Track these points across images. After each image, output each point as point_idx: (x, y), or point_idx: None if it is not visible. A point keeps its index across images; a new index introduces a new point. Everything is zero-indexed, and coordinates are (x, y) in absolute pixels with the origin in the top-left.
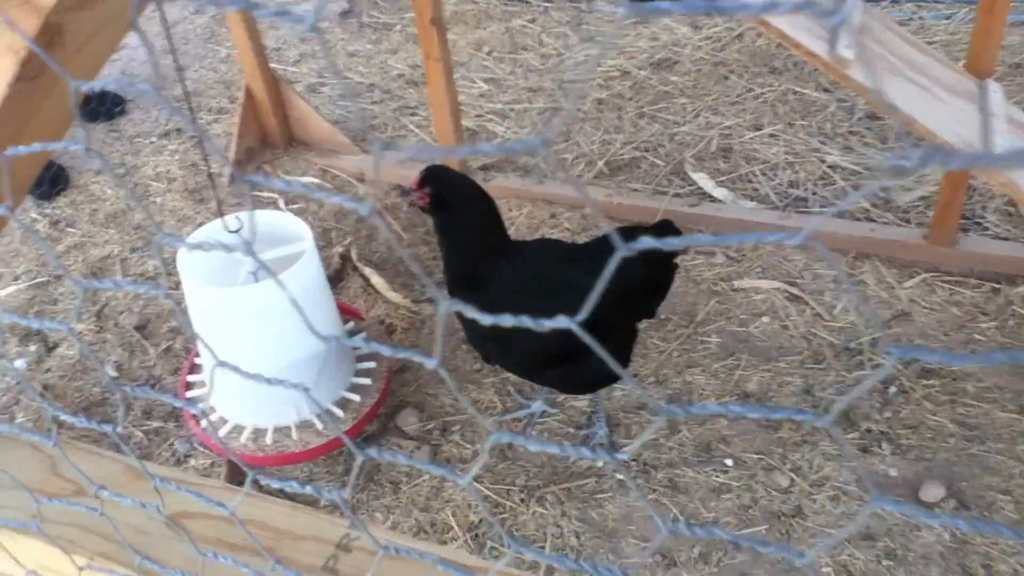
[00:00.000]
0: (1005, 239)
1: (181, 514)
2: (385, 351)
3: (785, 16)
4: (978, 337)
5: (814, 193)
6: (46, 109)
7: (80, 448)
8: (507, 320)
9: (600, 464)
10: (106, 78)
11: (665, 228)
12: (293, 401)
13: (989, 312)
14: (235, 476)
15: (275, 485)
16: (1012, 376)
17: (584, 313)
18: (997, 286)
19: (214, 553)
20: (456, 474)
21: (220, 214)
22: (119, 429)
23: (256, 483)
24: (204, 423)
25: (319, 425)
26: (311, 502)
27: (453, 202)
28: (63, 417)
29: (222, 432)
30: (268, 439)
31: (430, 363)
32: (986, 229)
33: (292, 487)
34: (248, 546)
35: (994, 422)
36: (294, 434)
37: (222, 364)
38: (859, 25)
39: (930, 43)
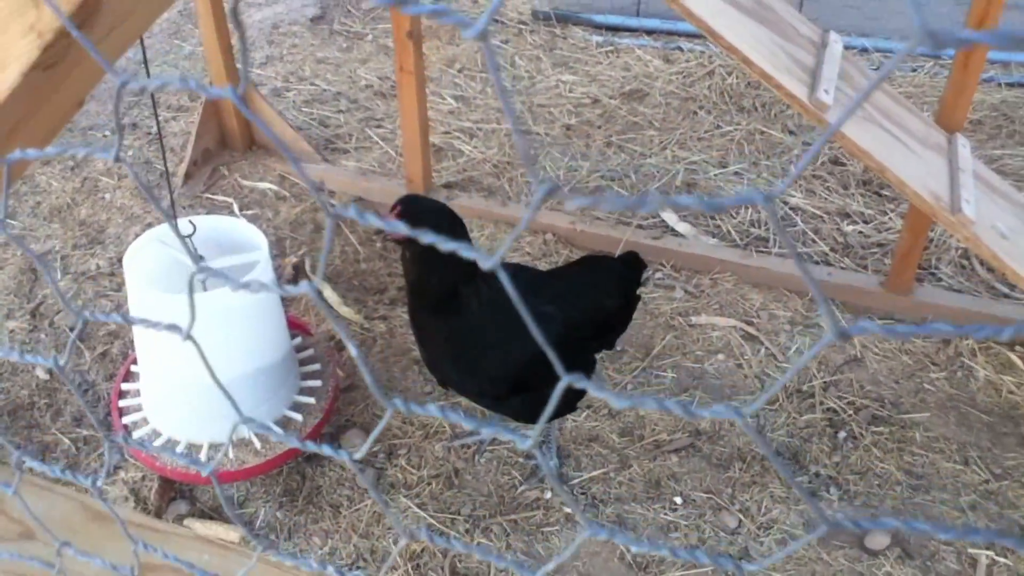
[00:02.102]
0: (958, 291)
1: (146, 566)
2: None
3: (767, 58)
4: (927, 387)
5: (775, 234)
6: (54, 102)
7: (32, 483)
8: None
9: (548, 496)
10: None
11: (632, 260)
12: (232, 418)
13: (939, 363)
14: (166, 491)
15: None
16: (959, 427)
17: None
18: (948, 337)
19: None
20: (391, 506)
21: (173, 216)
22: (100, 483)
23: (191, 499)
24: (137, 435)
25: (257, 444)
26: (246, 523)
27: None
28: (28, 463)
29: (154, 446)
30: (203, 455)
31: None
32: (940, 280)
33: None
34: None
35: (940, 472)
36: (230, 452)
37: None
38: (839, 71)
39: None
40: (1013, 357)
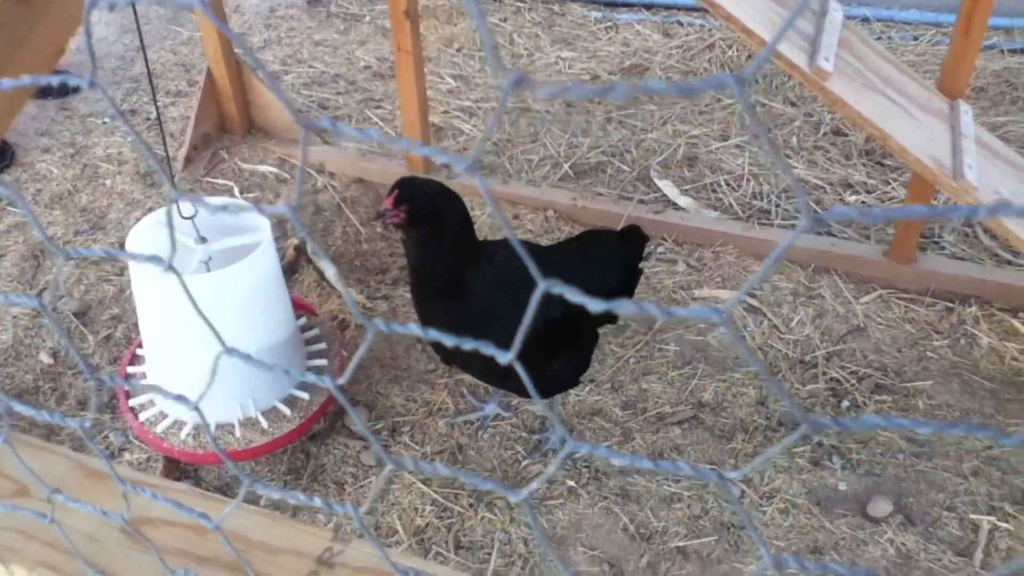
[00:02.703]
0: (961, 259)
1: (139, 520)
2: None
3: (767, 27)
4: (930, 355)
5: (777, 206)
6: (32, 45)
7: (26, 443)
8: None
9: (551, 470)
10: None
11: (633, 233)
12: (239, 398)
13: (942, 330)
14: (171, 472)
15: (263, 492)
16: (961, 395)
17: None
18: (951, 305)
19: (185, 571)
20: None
21: (175, 196)
22: (88, 423)
23: (196, 479)
24: (143, 417)
25: (264, 423)
26: (250, 501)
27: (431, 215)
28: (17, 407)
29: (161, 427)
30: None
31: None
32: (943, 249)
33: (288, 497)
34: (217, 559)
35: (942, 439)
36: (237, 432)
37: (229, 351)
38: (839, 39)
39: None
40: (1016, 324)
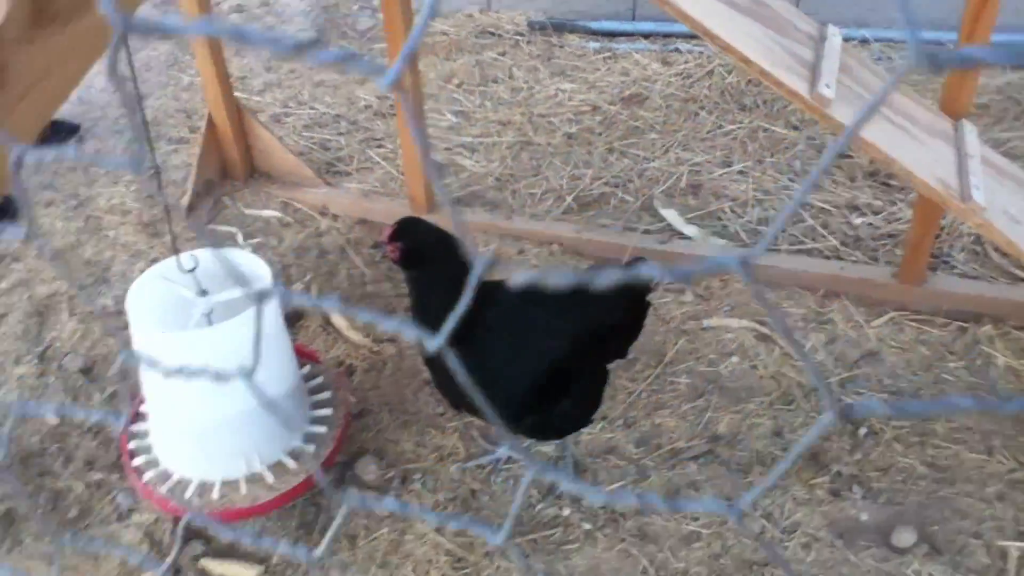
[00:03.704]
0: (973, 278)
1: None
2: None
3: (765, 55)
4: (946, 377)
5: (784, 231)
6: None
7: None
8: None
9: (567, 514)
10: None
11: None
12: (243, 453)
13: (956, 351)
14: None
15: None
16: (981, 417)
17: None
18: (964, 325)
19: None
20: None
21: (175, 251)
22: None
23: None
24: (147, 477)
25: (269, 478)
26: (262, 560)
27: (427, 257)
28: None
29: (165, 487)
30: (215, 494)
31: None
32: (953, 268)
33: (245, 540)
34: None
35: (963, 464)
36: (243, 488)
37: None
38: (840, 65)
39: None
40: None
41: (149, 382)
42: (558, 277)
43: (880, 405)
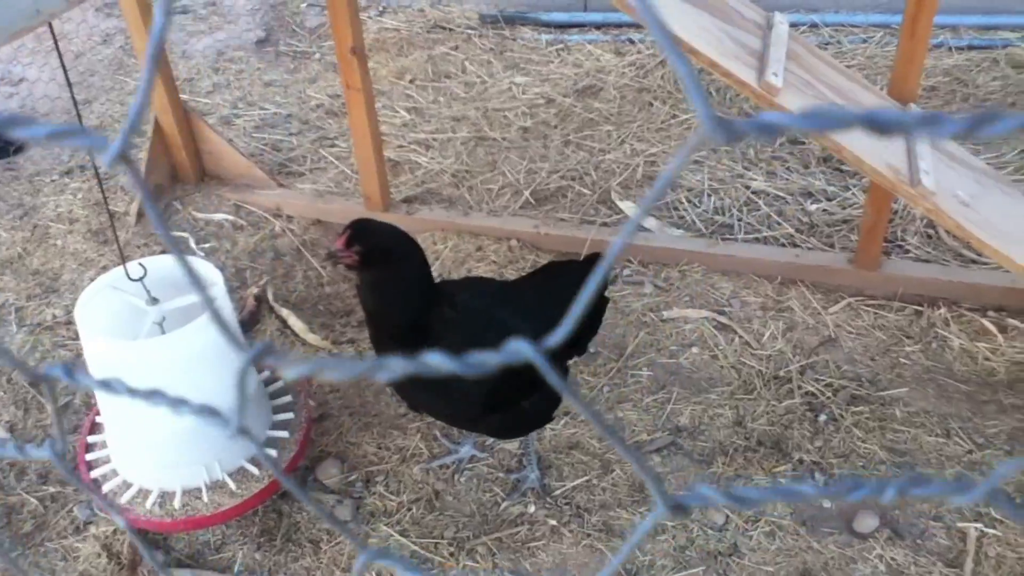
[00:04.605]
0: (926, 261)
1: None
2: None
3: (713, 45)
4: (903, 361)
5: (739, 220)
6: None
7: None
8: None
9: (532, 510)
10: (2, 112)
11: (596, 261)
12: (203, 461)
13: (913, 335)
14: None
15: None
16: (938, 400)
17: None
18: (920, 308)
19: None
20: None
21: (122, 260)
22: None
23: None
24: (107, 488)
25: (232, 485)
26: (224, 568)
27: (385, 257)
28: None
29: (125, 497)
30: (176, 503)
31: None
32: (907, 252)
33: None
34: None
35: (923, 447)
36: (204, 496)
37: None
38: (787, 52)
39: (849, 66)
40: (986, 323)
41: (102, 393)
42: (337, 369)
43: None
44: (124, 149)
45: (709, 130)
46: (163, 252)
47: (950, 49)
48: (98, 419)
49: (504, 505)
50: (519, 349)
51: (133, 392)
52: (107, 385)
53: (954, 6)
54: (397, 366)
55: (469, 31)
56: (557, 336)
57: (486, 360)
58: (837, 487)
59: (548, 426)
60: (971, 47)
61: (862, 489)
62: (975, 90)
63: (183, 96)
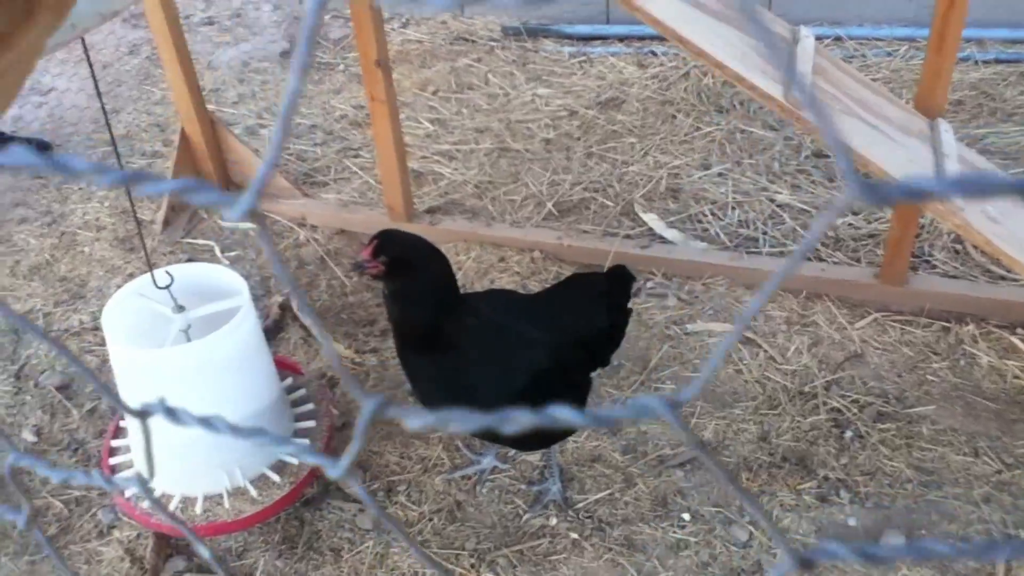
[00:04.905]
0: (954, 277)
1: None
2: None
3: (739, 59)
4: (931, 378)
5: (764, 233)
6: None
7: None
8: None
9: (553, 523)
10: (32, 122)
11: (619, 273)
12: (225, 467)
13: (940, 351)
14: (162, 548)
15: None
16: (965, 418)
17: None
18: (947, 325)
19: None
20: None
21: (149, 268)
22: None
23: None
24: (129, 492)
25: (253, 492)
26: (246, 575)
27: (411, 267)
28: None
29: (147, 502)
30: (198, 508)
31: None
32: (934, 267)
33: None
34: None
35: (950, 465)
36: (226, 502)
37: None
38: (813, 67)
39: (874, 80)
40: (1015, 340)
41: (128, 396)
42: (458, 423)
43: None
44: (254, 205)
45: (855, 192)
46: (189, 260)
47: (976, 63)
48: (122, 423)
49: (525, 517)
50: (649, 406)
51: (207, 423)
52: (207, 423)
53: (980, 20)
54: (523, 419)
55: (492, 43)
56: (687, 394)
57: (615, 414)
58: (974, 548)
59: (571, 438)
60: (997, 60)
61: (999, 550)
62: (1003, 104)
63: (209, 106)
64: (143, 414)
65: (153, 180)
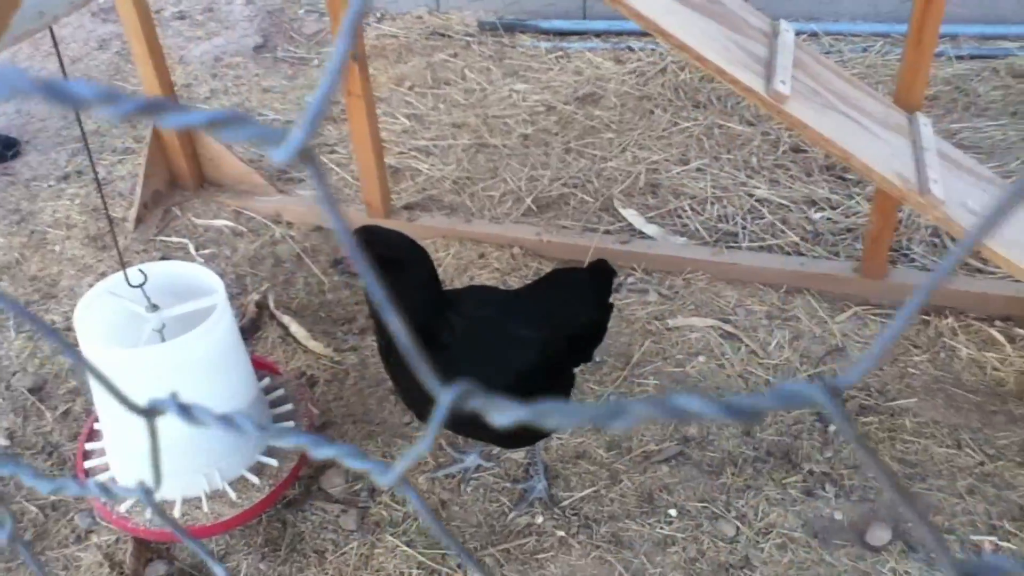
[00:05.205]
0: (933, 271)
1: None
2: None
3: (720, 53)
4: (912, 371)
5: (744, 228)
6: None
7: None
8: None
9: (539, 521)
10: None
11: (600, 268)
12: (203, 470)
13: (921, 345)
14: (142, 553)
15: None
16: (947, 410)
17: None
18: (927, 318)
19: None
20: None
21: (122, 266)
22: None
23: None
24: (104, 499)
25: (232, 495)
26: None
27: (393, 264)
28: None
29: (124, 507)
30: (176, 512)
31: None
32: (913, 261)
33: None
34: None
35: (933, 458)
36: (204, 506)
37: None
38: (793, 60)
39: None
40: (994, 333)
41: (102, 399)
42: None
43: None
44: (306, 143)
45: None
46: (163, 258)
47: (950, 59)
48: (96, 426)
49: (511, 516)
50: (803, 393)
51: (228, 422)
52: (228, 421)
53: (954, 16)
54: (639, 410)
55: (468, 38)
56: (848, 379)
57: (760, 404)
58: None
59: (555, 435)
60: (972, 56)
61: None
62: (976, 99)
63: (181, 102)
64: (150, 412)
65: (178, 110)
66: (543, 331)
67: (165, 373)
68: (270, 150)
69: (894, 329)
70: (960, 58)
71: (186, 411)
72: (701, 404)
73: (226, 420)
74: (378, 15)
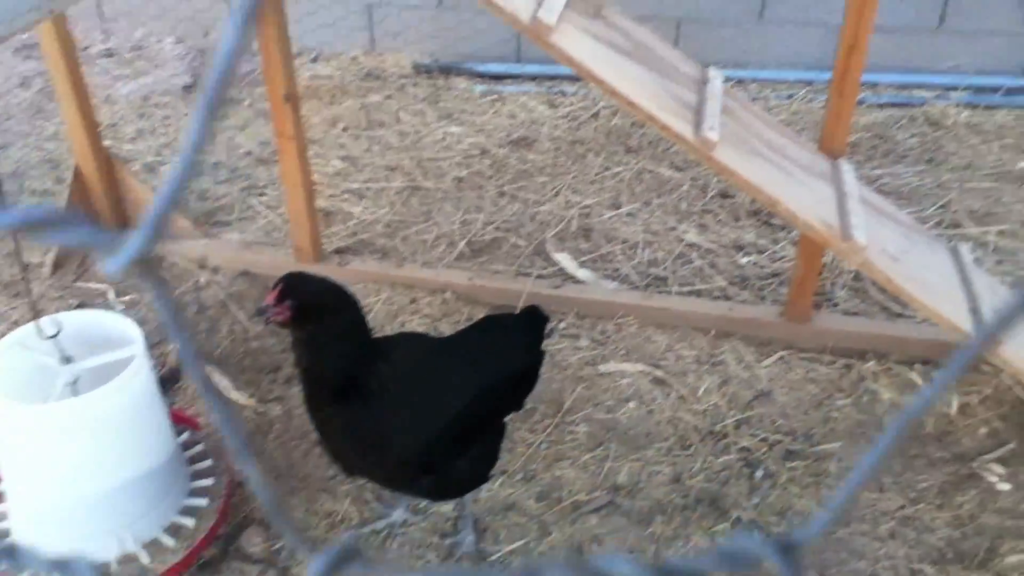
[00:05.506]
0: (855, 314)
1: None
2: None
3: (652, 99)
4: (835, 415)
5: (673, 272)
6: None
7: None
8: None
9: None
10: None
11: (532, 314)
12: (115, 531)
13: (844, 388)
14: None
15: None
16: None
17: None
18: (850, 362)
19: None
20: None
21: (34, 316)
22: None
23: None
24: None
25: (145, 559)
26: None
27: (319, 312)
28: None
29: (27, 573)
30: None
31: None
32: (836, 305)
33: None
34: None
35: (857, 503)
36: (113, 570)
37: None
38: (722, 107)
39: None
40: (913, 376)
41: (7, 456)
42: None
43: None
44: (145, 251)
45: None
46: (80, 306)
47: (870, 106)
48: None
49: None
50: (751, 550)
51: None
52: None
53: (874, 65)
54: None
55: (403, 80)
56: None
57: (700, 567)
58: None
59: (484, 487)
60: (891, 104)
61: None
62: (895, 146)
63: (106, 142)
64: None
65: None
66: (474, 378)
67: (76, 430)
68: (100, 260)
69: (858, 475)
70: (880, 106)
71: (10, 553)
72: (632, 570)
73: (61, 565)
74: (312, 55)
